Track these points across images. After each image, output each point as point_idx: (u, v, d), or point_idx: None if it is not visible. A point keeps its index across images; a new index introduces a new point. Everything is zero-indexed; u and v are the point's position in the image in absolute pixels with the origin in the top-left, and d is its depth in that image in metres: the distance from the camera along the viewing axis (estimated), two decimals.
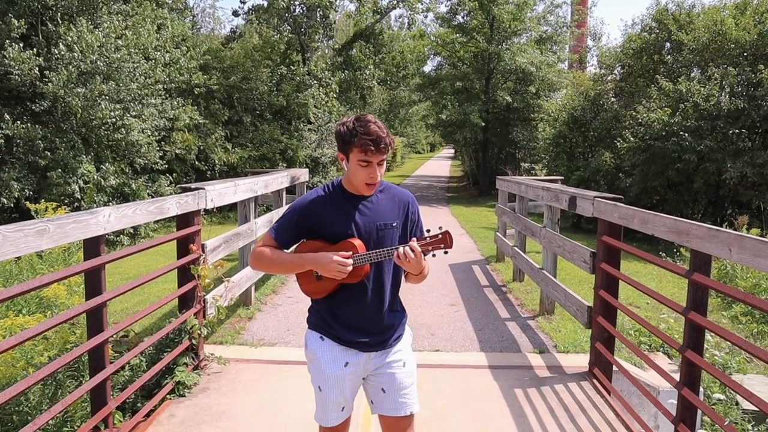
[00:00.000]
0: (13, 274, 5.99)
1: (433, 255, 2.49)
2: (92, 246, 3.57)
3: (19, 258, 6.02)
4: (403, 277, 2.69)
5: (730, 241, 3.11)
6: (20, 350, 4.14)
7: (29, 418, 3.74)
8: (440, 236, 2.41)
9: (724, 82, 13.89)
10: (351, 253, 2.47)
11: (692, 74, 15.54)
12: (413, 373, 2.71)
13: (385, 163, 2.50)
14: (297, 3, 21.74)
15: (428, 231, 2.53)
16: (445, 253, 2.45)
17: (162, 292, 7.62)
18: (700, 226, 3.40)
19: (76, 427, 3.83)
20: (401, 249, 2.39)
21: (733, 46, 14.14)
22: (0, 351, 2.76)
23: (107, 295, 3.66)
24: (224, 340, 5.89)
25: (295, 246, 2.65)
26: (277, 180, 8.09)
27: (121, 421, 3.96)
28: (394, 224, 2.58)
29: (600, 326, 4.84)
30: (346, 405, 2.64)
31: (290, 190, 9.70)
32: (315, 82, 21.33)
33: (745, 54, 14.08)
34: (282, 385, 4.76)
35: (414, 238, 2.45)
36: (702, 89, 13.73)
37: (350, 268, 2.44)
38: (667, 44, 16.78)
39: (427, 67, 31.98)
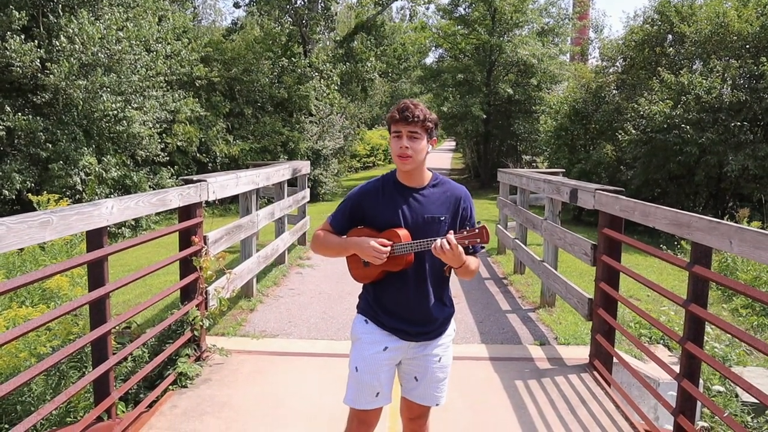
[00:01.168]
0: (16, 266, 6.01)
1: (475, 251, 2.59)
2: (95, 237, 3.58)
3: (22, 249, 6.04)
4: (453, 272, 2.71)
5: (731, 233, 3.11)
6: (24, 341, 4.16)
7: (33, 408, 3.76)
8: (477, 230, 2.45)
9: (726, 75, 13.84)
10: (391, 242, 2.55)
11: (694, 66, 15.49)
12: (447, 369, 2.78)
13: (421, 140, 2.56)
14: None
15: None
16: (482, 248, 2.50)
17: (164, 284, 7.64)
18: (701, 218, 3.41)
19: (79, 418, 3.86)
20: (438, 241, 2.44)
21: (735, 38, 14.09)
22: (4, 342, 2.78)
23: (110, 287, 3.67)
24: (226, 332, 5.92)
25: (349, 232, 2.74)
26: (278, 172, 8.10)
27: (123, 412, 3.99)
28: (443, 218, 2.63)
29: (600, 318, 4.86)
30: (381, 391, 2.67)
31: (292, 182, 9.71)
32: (316, 74, 21.29)
33: (747, 46, 14.02)
34: (283, 377, 4.78)
35: (452, 231, 2.49)
36: (704, 82, 13.69)
37: (386, 256, 2.52)
38: (669, 36, 16.71)
39: (429, 59, 31.99)
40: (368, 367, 2.65)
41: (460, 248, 2.45)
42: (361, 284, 2.81)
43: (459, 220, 2.68)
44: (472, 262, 2.62)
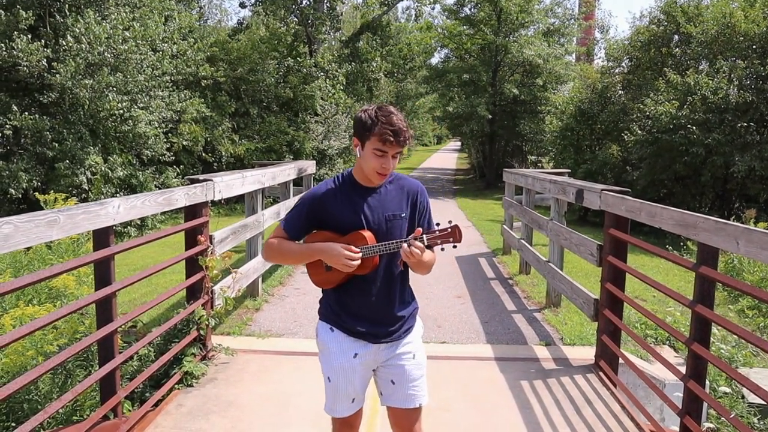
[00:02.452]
0: (23, 265, 6.03)
1: (442, 249, 2.49)
2: (102, 237, 3.59)
3: (29, 248, 6.06)
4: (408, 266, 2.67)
5: (738, 234, 3.10)
6: (30, 339, 4.17)
7: (39, 406, 3.78)
8: (449, 230, 2.41)
9: (732, 75, 13.81)
10: (357, 246, 2.47)
11: (700, 67, 15.45)
12: (423, 365, 2.71)
13: (398, 156, 2.50)
14: None
15: (437, 224, 2.53)
16: (454, 247, 2.45)
17: (170, 283, 7.66)
18: (708, 219, 3.40)
19: (85, 416, 3.87)
20: (405, 246, 2.39)
21: (742, 38, 14.05)
22: (11, 340, 2.79)
23: (116, 286, 3.68)
24: (232, 331, 5.93)
25: (305, 237, 2.66)
26: (284, 172, 8.11)
27: (130, 411, 3.99)
28: (403, 215, 2.58)
29: (606, 319, 4.85)
30: (357, 397, 2.64)
31: (297, 182, 9.71)
32: (322, 74, 21.31)
33: (754, 47, 13.98)
34: (289, 376, 4.79)
35: (419, 230, 2.44)
36: (710, 82, 13.65)
37: (358, 262, 2.45)
38: (676, 37, 16.69)
39: (434, 60, 32.00)
40: (341, 376, 2.60)
41: (425, 250, 2.40)
42: (321, 289, 2.72)
43: (417, 215, 2.63)
44: (431, 256, 2.58)
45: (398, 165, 2.53)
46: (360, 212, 2.53)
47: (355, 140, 2.54)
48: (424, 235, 2.41)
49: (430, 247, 2.45)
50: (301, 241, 2.63)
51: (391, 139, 2.39)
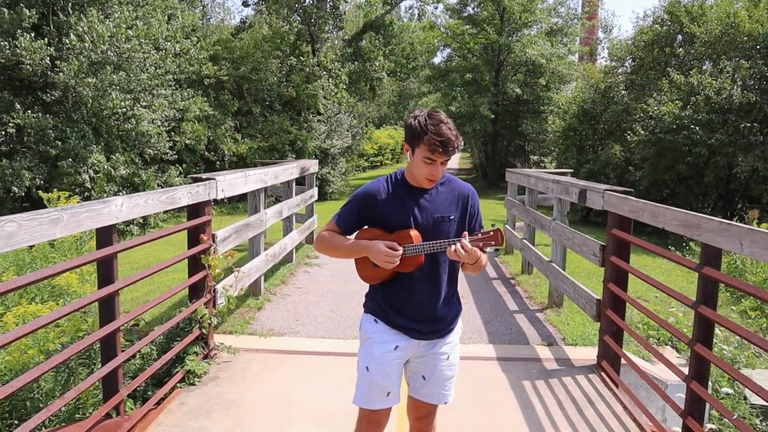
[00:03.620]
0: (26, 263, 6.04)
1: (484, 251, 2.55)
2: (105, 235, 3.59)
3: (32, 247, 6.07)
4: (459, 268, 2.72)
5: (742, 234, 3.10)
6: (33, 338, 4.18)
7: (42, 405, 3.78)
8: (492, 233, 2.46)
9: (736, 75, 13.77)
10: (402, 244, 2.53)
11: (704, 67, 15.41)
12: (455, 366, 2.77)
13: (446, 163, 2.56)
14: None
15: (481, 227, 2.60)
16: (496, 250, 2.54)
17: (172, 282, 7.67)
18: (712, 219, 3.40)
19: (88, 414, 3.87)
20: (452, 247, 2.44)
21: (746, 38, 14.01)
22: (14, 339, 2.79)
23: (119, 284, 3.69)
24: (234, 330, 5.93)
25: (356, 232, 2.73)
26: (287, 171, 8.11)
27: (132, 409, 4.00)
28: (452, 217, 2.63)
29: (609, 319, 4.84)
30: (392, 391, 2.67)
31: (300, 181, 9.72)
32: (324, 73, 21.30)
33: (758, 47, 13.94)
34: (291, 375, 4.79)
35: (466, 233, 2.48)
36: (714, 82, 13.62)
37: (398, 261, 2.51)
38: (679, 37, 16.65)
39: (437, 59, 31.95)
40: (379, 366, 2.64)
41: (476, 250, 2.45)
42: (368, 284, 2.80)
43: (467, 218, 2.68)
44: (483, 258, 2.61)
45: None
46: (409, 212, 2.59)
47: (405, 145, 2.61)
48: (467, 237, 2.46)
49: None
50: (353, 236, 2.71)
51: (440, 149, 2.46)
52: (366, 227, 2.69)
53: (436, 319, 2.67)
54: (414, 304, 2.63)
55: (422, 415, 2.83)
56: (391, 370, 2.65)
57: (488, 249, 2.52)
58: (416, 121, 2.51)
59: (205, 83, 18.10)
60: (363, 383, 2.68)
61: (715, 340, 5.33)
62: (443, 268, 2.64)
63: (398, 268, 2.58)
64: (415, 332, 2.65)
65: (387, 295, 2.69)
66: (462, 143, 2.68)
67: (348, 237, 2.70)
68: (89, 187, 13.27)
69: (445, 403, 2.78)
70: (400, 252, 2.51)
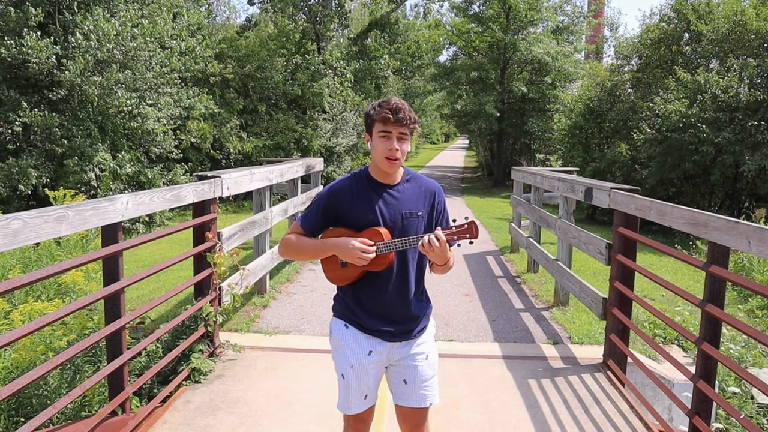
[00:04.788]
0: (32, 261, 6.06)
1: (458, 245, 2.50)
2: (110, 233, 3.60)
3: (38, 244, 6.09)
4: (427, 267, 2.69)
5: (749, 233, 3.08)
6: (39, 335, 4.20)
7: (48, 402, 3.79)
8: (466, 226, 2.41)
9: (743, 74, 13.71)
10: (376, 242, 2.48)
11: (711, 65, 15.36)
12: (435, 366, 2.72)
13: (407, 141, 2.51)
14: None
15: (454, 221, 2.52)
16: (471, 243, 2.46)
17: (177, 280, 7.68)
18: (719, 218, 3.38)
19: (94, 412, 3.88)
20: (426, 238, 2.39)
21: (753, 36, 13.95)
22: (21, 336, 2.79)
23: (125, 282, 3.69)
24: (239, 328, 5.94)
25: (322, 233, 2.67)
26: (292, 169, 8.11)
27: (138, 407, 4.01)
28: (420, 213, 2.59)
29: (615, 318, 4.83)
30: (369, 393, 2.65)
31: (305, 179, 9.72)
32: (330, 71, 21.29)
33: (765, 45, 13.89)
34: (296, 373, 4.79)
35: (439, 227, 2.45)
36: (721, 80, 13.57)
37: (372, 255, 2.46)
38: (686, 35, 16.58)
39: (443, 57, 32.02)
40: (355, 373, 2.60)
41: (446, 243, 2.41)
42: (336, 285, 2.73)
43: (434, 214, 2.64)
44: (451, 258, 2.60)
45: (407, 163, 2.53)
46: (376, 209, 2.54)
47: (366, 136, 2.58)
48: (440, 230, 2.41)
49: (448, 243, 2.45)
50: (319, 237, 2.65)
51: (390, 116, 2.43)
52: (331, 228, 2.62)
53: (408, 318, 2.63)
54: (385, 303, 2.59)
55: (413, 424, 2.75)
56: (367, 375, 2.61)
57: (462, 242, 2.46)
58: (369, 106, 2.54)
59: (211, 81, 18.12)
60: (342, 389, 2.67)
61: (722, 339, 5.32)
62: (412, 266, 2.60)
63: (369, 267, 2.52)
64: (388, 334, 2.60)
65: (357, 296, 2.63)
66: (418, 122, 2.65)
67: (314, 238, 2.64)
68: (95, 185, 13.31)
69: (431, 404, 2.70)
70: (375, 246, 2.46)
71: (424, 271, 2.70)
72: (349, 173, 2.67)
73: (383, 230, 2.51)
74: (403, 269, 2.59)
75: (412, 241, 2.45)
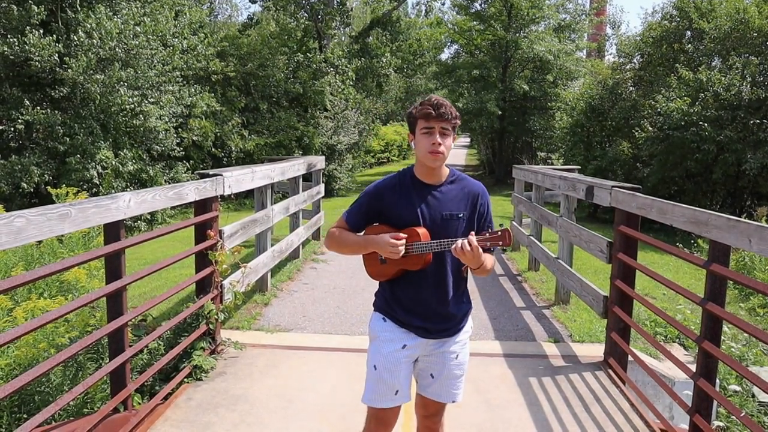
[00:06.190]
0: (34, 258, 6.07)
1: (491, 251, 2.55)
2: (113, 230, 3.61)
3: (40, 242, 6.10)
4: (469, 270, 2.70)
5: (751, 231, 3.08)
6: (42, 332, 4.21)
7: (51, 398, 3.80)
8: (499, 233, 2.43)
9: (745, 72, 13.68)
10: (410, 242, 2.53)
11: (713, 63, 15.32)
12: (464, 366, 2.76)
13: (450, 137, 2.55)
14: None
15: (491, 228, 2.58)
16: (504, 250, 2.49)
17: (179, 278, 7.70)
18: (720, 216, 3.38)
19: (96, 408, 3.89)
20: (459, 242, 2.42)
21: (755, 34, 13.92)
22: (24, 333, 2.81)
23: (127, 279, 3.70)
24: (241, 326, 5.95)
25: (365, 229, 2.73)
26: (293, 167, 8.12)
27: (139, 404, 4.02)
28: (461, 215, 2.61)
29: (616, 316, 4.83)
30: (401, 389, 2.66)
31: (306, 177, 9.73)
32: (331, 69, 21.29)
33: (767, 42, 13.85)
34: (298, 371, 4.80)
35: (473, 233, 2.46)
36: (723, 78, 13.54)
37: (402, 248, 2.50)
38: (688, 33, 16.54)
39: (444, 55, 31.84)
40: (387, 365, 2.63)
41: (480, 249, 2.42)
42: (377, 281, 2.79)
43: (477, 216, 2.65)
44: (489, 261, 2.60)
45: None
46: (416, 209, 2.58)
47: (409, 137, 2.64)
48: (474, 236, 2.43)
49: (482, 249, 2.46)
50: (362, 233, 2.71)
51: (432, 111, 2.48)
52: (375, 224, 2.69)
53: (445, 318, 2.65)
54: (422, 302, 2.62)
55: (430, 413, 2.83)
56: (399, 369, 2.64)
57: (495, 249, 2.50)
58: (411, 108, 2.60)
59: (213, 80, 18.13)
60: (371, 382, 2.68)
61: (723, 337, 5.33)
62: (449, 267, 2.62)
63: (406, 266, 2.58)
64: (423, 331, 2.64)
65: (395, 292, 2.68)
66: (459, 119, 2.68)
67: (358, 234, 2.70)
68: (97, 183, 13.34)
69: (454, 401, 2.77)
70: (404, 240, 2.51)
71: (464, 272, 2.71)
72: (396, 172, 2.72)
73: (422, 230, 2.55)
74: (441, 270, 2.61)
75: (446, 244, 2.48)
